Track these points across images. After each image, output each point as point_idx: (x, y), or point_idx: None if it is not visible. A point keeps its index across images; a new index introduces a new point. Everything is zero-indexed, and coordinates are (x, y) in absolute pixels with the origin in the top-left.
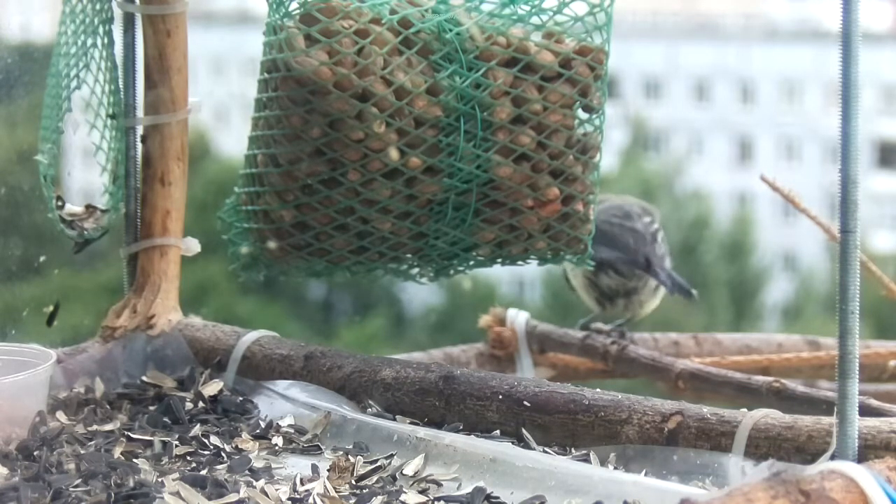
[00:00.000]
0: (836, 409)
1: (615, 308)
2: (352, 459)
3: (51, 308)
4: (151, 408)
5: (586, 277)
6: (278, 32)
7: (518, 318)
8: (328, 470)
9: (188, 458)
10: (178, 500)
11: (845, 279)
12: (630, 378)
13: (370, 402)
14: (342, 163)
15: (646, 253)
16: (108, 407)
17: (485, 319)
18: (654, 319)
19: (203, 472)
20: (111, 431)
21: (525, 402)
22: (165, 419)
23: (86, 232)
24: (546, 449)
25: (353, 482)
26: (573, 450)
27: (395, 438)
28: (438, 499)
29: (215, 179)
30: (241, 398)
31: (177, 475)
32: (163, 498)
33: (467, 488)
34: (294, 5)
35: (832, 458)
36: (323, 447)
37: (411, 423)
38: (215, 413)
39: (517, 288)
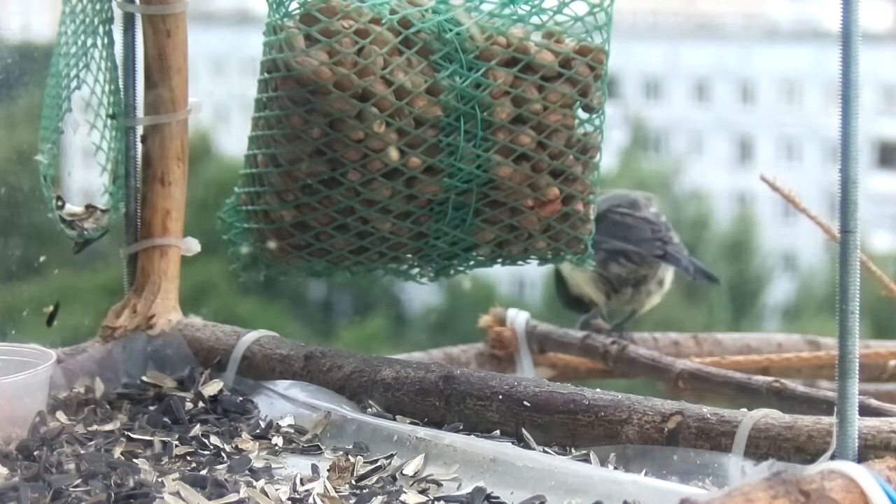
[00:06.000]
0: (836, 409)
1: (620, 298)
2: (352, 459)
3: (51, 308)
4: (151, 408)
5: (593, 269)
6: (278, 32)
7: (518, 318)
8: (328, 470)
9: (188, 458)
10: (178, 500)
11: (845, 279)
12: (630, 378)
13: (370, 402)
14: (342, 163)
15: (662, 244)
16: (108, 407)
17: (485, 319)
18: (654, 319)
19: (203, 472)
20: (111, 431)
21: (525, 402)
22: (165, 419)
23: (86, 232)
24: (546, 449)
25: (353, 482)
26: (573, 450)
27: (395, 438)
28: (438, 499)
29: (215, 179)
30: (241, 398)
31: (177, 475)
32: (163, 498)
33: (467, 488)
34: (294, 5)
35: (832, 458)
36: (323, 447)
37: (411, 423)
38: (215, 413)
39: (517, 288)
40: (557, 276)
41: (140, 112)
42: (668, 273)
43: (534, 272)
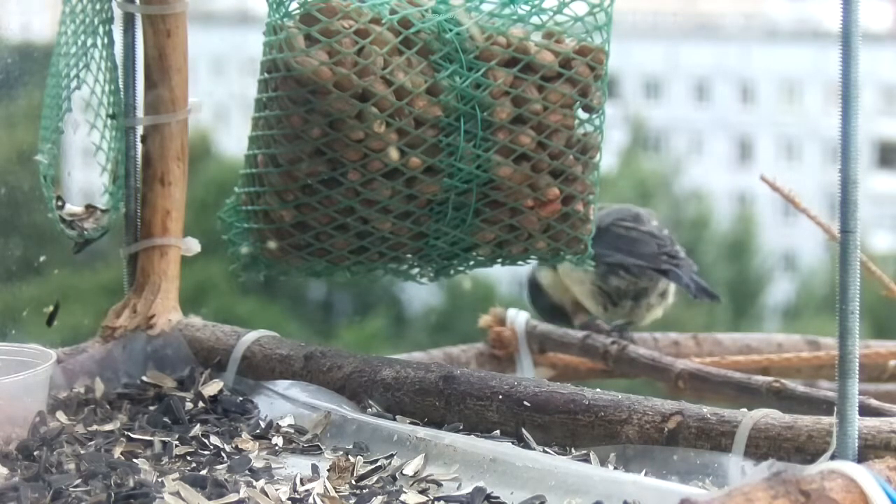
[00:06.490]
0: (836, 409)
1: (619, 311)
2: (352, 459)
3: (51, 308)
4: (151, 408)
5: (592, 281)
6: (278, 32)
7: (518, 318)
8: (328, 470)
9: (188, 458)
10: (178, 500)
11: (845, 279)
12: (630, 378)
13: (370, 402)
14: (342, 163)
15: (668, 258)
16: (108, 407)
17: (485, 319)
18: (654, 319)
19: (203, 472)
20: (111, 431)
21: (525, 402)
22: (165, 419)
23: (86, 232)
24: (546, 449)
25: (353, 482)
26: (573, 450)
27: (395, 438)
28: (438, 499)
29: (215, 179)
30: (241, 398)
31: (177, 475)
32: (163, 498)
33: (467, 488)
34: (294, 5)
35: (832, 458)
36: (323, 447)
37: (411, 423)
38: (215, 413)
39: (517, 288)
40: (533, 285)
41: (140, 112)
42: (671, 285)
43: None
